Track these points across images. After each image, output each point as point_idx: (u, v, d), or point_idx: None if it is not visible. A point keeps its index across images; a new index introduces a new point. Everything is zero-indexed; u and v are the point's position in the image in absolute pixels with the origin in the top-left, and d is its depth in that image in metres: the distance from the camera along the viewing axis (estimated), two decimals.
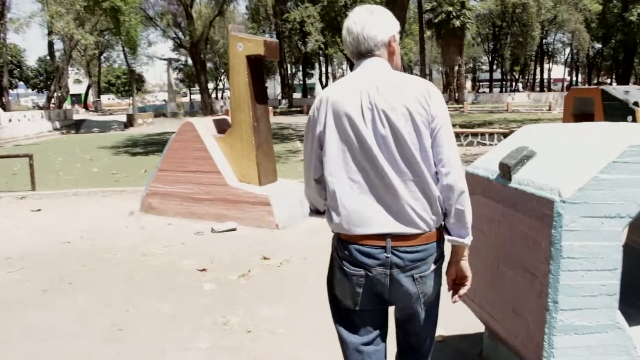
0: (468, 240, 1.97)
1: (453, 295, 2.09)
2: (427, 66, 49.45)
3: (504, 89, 59.80)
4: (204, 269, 5.01)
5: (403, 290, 1.92)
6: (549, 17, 46.43)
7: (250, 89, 6.54)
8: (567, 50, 64.73)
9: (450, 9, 38.55)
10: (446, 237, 1.98)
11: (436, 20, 39.75)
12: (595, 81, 65.82)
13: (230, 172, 6.81)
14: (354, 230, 1.89)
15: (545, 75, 68.05)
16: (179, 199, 7.04)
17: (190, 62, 45.81)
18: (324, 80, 61.97)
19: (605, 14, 48.21)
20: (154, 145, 17.05)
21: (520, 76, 65.50)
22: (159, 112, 38.19)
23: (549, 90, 59.71)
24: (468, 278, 2.05)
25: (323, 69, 63.53)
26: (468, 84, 76.18)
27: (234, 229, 6.42)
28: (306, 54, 47.33)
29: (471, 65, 73.12)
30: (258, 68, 6.70)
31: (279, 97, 54.63)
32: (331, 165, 1.92)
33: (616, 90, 9.74)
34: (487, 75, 73.79)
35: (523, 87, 64.19)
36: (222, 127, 7.19)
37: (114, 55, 56.57)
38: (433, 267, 1.94)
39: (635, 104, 9.22)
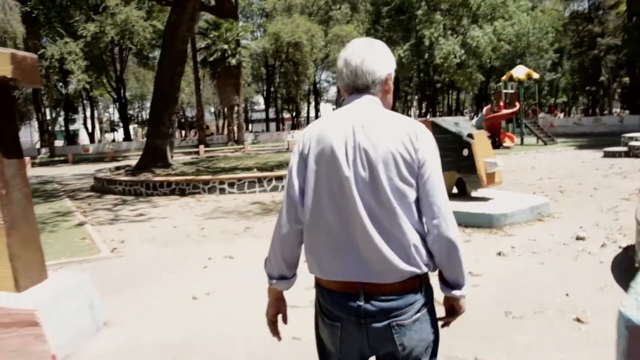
0: (465, 291, 1.89)
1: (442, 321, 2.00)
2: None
3: (280, 128, 60.53)
4: None
5: (381, 340, 1.82)
6: (321, 56, 48.20)
7: None
8: (333, 88, 68.29)
9: (226, 47, 37.39)
10: (443, 291, 1.91)
11: (211, 59, 38.24)
12: None
13: None
14: (327, 276, 1.86)
15: (313, 113, 71.14)
16: None
17: None
18: (89, 125, 56.65)
19: None
20: None
21: (289, 114, 67.24)
22: None
23: None
24: (460, 313, 1.99)
25: (88, 113, 58.08)
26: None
27: None
28: (68, 96, 42.45)
29: (244, 105, 73.41)
30: (2, 99, 4.13)
31: (38, 146, 48.03)
32: (310, 205, 1.86)
33: (446, 122, 8.88)
34: (258, 115, 74.44)
35: (293, 126, 65.86)
36: None
37: None
38: (415, 316, 1.82)
39: (470, 136, 8.37)
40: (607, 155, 17.91)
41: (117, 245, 7.90)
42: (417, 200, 1.80)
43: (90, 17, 35.65)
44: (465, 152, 8.34)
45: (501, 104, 24.83)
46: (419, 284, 1.84)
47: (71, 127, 58.19)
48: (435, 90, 53.70)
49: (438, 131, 8.68)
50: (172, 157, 18.62)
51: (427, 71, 47.07)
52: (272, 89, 56.32)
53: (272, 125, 63.63)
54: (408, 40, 43.64)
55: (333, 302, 1.85)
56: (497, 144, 23.95)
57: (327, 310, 1.88)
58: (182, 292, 5.41)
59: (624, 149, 17.78)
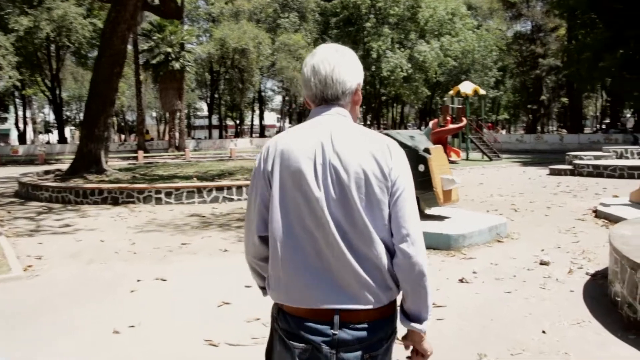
0: (425, 326, 1.73)
1: None
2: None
3: (223, 135, 59.29)
4: None
5: None
6: (267, 64, 47.47)
7: None
8: (279, 97, 67.58)
9: (169, 50, 36.16)
10: (402, 322, 1.74)
11: (154, 62, 36.88)
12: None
13: None
14: (297, 304, 1.68)
15: (258, 122, 70.44)
16: None
17: None
18: (20, 125, 53.98)
19: None
20: None
21: (234, 122, 66.02)
22: None
23: (264, 136, 61.01)
24: (428, 356, 1.79)
25: (20, 113, 55.27)
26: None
27: None
28: None
29: (186, 111, 71.87)
30: None
31: None
32: (275, 226, 1.70)
33: (401, 135, 8.35)
34: (202, 122, 72.74)
35: (237, 133, 64.74)
36: None
37: None
38: (385, 345, 1.71)
39: (426, 150, 7.86)
40: (553, 172, 17.97)
41: (33, 262, 6.95)
42: None
43: (24, 10, 33.72)
44: (422, 167, 7.82)
45: (448, 118, 24.76)
46: (393, 309, 1.74)
47: (1, 127, 55.28)
48: (380, 103, 53.85)
49: None
50: (107, 162, 17.46)
51: (374, 83, 47.12)
52: (216, 96, 55.06)
53: (215, 133, 62.34)
54: (355, 52, 43.05)
55: (300, 328, 1.67)
56: None
57: (292, 334, 1.69)
58: (102, 324, 4.59)
59: (569, 167, 17.90)
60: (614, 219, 8.57)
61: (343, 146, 1.66)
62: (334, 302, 1.64)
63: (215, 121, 62.94)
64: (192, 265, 6.63)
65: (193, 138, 57.61)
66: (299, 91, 44.48)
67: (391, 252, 1.68)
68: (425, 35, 44.54)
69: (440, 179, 7.76)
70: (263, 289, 1.91)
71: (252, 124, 64.04)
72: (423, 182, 7.80)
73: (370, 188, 1.63)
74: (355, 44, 44.27)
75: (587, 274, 5.76)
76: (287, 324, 1.71)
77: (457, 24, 45.55)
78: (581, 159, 18.79)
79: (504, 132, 58.60)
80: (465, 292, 5.27)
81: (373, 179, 1.64)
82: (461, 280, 5.60)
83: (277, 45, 43.42)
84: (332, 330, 1.64)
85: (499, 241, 7.42)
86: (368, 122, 54.29)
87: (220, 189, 12.69)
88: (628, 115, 59.47)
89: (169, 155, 35.43)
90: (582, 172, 17.02)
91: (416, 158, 7.90)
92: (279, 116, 72.49)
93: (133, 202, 12.43)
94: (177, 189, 12.48)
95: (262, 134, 62.03)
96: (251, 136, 59.20)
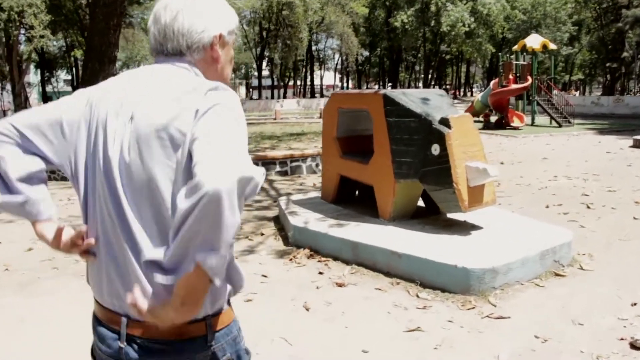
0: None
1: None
2: None
3: (274, 96, 56.79)
4: None
5: None
6: (316, 19, 44.36)
7: None
8: (337, 56, 64.45)
9: None
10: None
11: None
12: (365, 87, 66.47)
13: None
14: (95, 294, 1.31)
15: (317, 82, 67.46)
16: None
17: None
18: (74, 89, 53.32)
19: (371, 21, 47.87)
20: None
21: (292, 82, 63.35)
22: None
23: (322, 96, 58.11)
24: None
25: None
26: (242, 91, 73.05)
27: None
28: (44, 54, 38.85)
29: (243, 71, 69.83)
30: None
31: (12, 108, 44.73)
32: (82, 197, 1.28)
33: (408, 96, 5.44)
34: (268, 82, 70.74)
35: (294, 94, 62.16)
36: None
37: None
38: None
39: (444, 122, 4.93)
40: (638, 145, 14.42)
41: None
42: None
43: None
44: (436, 149, 4.94)
45: (511, 77, 21.21)
46: (205, 329, 1.23)
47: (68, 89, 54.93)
48: (442, 61, 49.83)
49: (394, 112, 5.30)
50: None
51: (434, 40, 43.22)
52: (266, 54, 52.27)
53: (268, 93, 59.91)
54: (413, 4, 39.71)
55: (99, 337, 1.30)
56: (504, 123, 20.56)
57: (94, 349, 1.35)
58: None
59: None
60: None
61: (149, 91, 1.22)
62: (119, 305, 1.22)
63: (269, 82, 60.45)
64: (53, 306, 4.10)
65: (251, 98, 55.70)
66: (350, 49, 41.23)
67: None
68: None
69: (466, 167, 4.87)
70: None
71: (304, 84, 60.95)
72: (437, 173, 4.94)
73: (180, 153, 1.14)
74: None
75: None
76: (93, 331, 1.34)
77: None
78: None
79: (577, 93, 53.35)
80: None
81: (168, 132, 1.15)
82: None
83: None
84: (118, 343, 1.23)
85: (557, 275, 4.50)
86: (429, 82, 50.48)
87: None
88: None
89: (239, 124, 33.25)
90: None
91: (427, 133, 5.03)
92: (341, 76, 69.56)
93: None
94: None
95: (313, 94, 58.78)
96: (301, 96, 56.45)
